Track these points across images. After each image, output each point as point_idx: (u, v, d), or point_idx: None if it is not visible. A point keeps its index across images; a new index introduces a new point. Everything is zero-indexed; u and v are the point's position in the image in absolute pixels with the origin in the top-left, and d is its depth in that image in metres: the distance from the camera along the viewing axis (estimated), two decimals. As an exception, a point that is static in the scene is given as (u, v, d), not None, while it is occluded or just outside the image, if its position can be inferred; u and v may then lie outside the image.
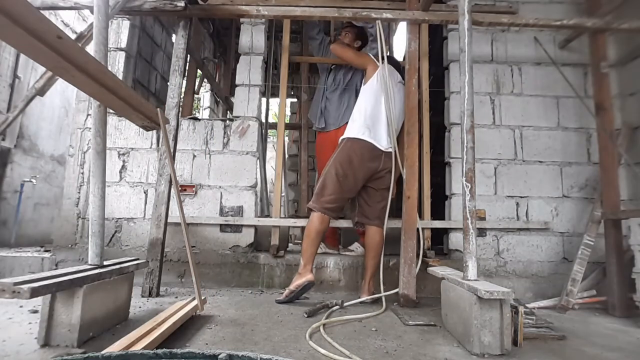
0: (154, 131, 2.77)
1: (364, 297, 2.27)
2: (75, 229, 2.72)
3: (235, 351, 0.84)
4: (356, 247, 2.88)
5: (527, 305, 2.06)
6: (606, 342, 1.71)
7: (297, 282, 2.19)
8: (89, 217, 1.69)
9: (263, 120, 3.35)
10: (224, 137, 2.84)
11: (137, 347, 1.22)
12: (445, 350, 1.50)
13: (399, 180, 2.49)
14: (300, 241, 3.20)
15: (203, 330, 1.63)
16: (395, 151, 2.39)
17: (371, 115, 2.39)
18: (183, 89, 2.86)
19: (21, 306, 1.85)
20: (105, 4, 1.74)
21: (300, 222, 2.82)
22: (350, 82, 3.12)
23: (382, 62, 2.45)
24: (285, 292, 2.20)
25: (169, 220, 2.37)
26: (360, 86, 2.88)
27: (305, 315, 1.91)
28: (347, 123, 2.80)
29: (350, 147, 2.35)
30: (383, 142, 2.38)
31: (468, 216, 1.69)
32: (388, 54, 4.06)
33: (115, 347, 1.18)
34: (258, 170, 2.91)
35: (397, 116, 2.45)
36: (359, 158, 2.31)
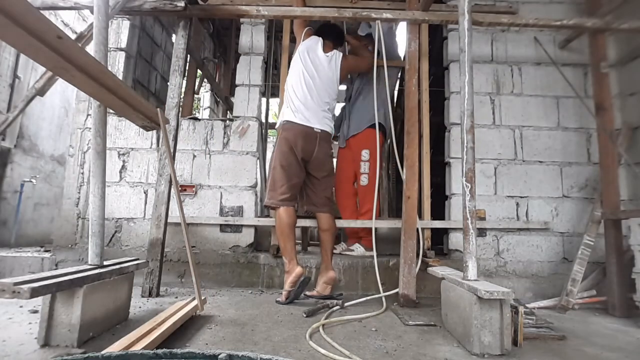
0: (154, 131, 2.77)
1: (324, 286, 2.28)
2: (75, 229, 2.72)
3: (235, 351, 0.84)
4: (357, 247, 2.89)
5: (527, 305, 2.06)
6: (606, 342, 1.71)
7: (290, 280, 2.18)
8: (89, 217, 1.69)
9: (263, 120, 3.35)
10: (224, 137, 2.84)
11: (137, 347, 1.22)
12: (445, 350, 1.50)
13: (399, 180, 2.48)
14: (299, 241, 3.20)
15: (203, 330, 1.63)
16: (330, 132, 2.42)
17: (298, 94, 2.37)
18: (183, 89, 2.86)
19: (21, 306, 1.85)
20: (105, 4, 1.74)
21: (300, 222, 2.82)
22: (365, 86, 3.06)
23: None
24: (284, 294, 2.20)
25: (169, 220, 2.37)
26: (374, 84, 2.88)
27: (305, 315, 1.91)
28: (368, 127, 2.85)
29: (282, 134, 2.36)
30: (314, 121, 2.34)
31: (468, 216, 1.69)
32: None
33: (115, 347, 1.18)
34: (258, 170, 2.91)
35: (323, 92, 2.41)
36: (293, 142, 2.31)
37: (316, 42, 2.52)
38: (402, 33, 4.12)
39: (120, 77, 2.86)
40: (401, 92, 4.42)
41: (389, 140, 3.24)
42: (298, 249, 3.05)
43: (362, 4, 2.91)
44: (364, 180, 2.91)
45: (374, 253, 2.67)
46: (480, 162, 2.75)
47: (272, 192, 2.32)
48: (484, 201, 2.75)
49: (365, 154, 2.92)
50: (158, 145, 2.80)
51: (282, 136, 2.36)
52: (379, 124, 2.77)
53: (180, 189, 2.70)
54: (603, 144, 2.56)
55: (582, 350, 1.58)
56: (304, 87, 2.37)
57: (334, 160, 2.86)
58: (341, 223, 2.76)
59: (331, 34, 2.60)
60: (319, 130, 2.35)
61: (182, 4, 2.48)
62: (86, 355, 0.81)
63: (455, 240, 2.74)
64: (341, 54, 2.55)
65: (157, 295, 2.24)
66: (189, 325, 1.67)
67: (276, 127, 2.56)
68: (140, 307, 1.97)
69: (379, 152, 2.83)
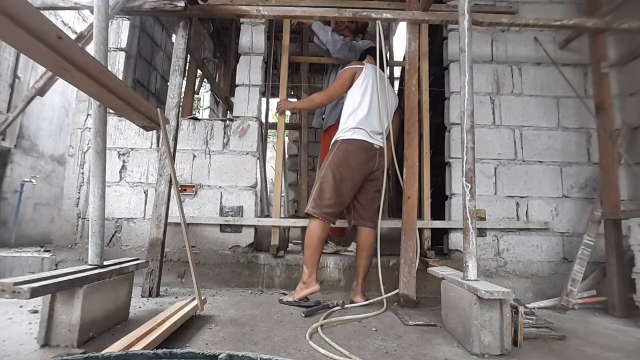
0: (154, 131, 2.77)
1: (360, 302, 2.22)
2: (75, 229, 2.72)
3: (235, 351, 0.84)
4: (355, 247, 2.89)
5: (527, 305, 2.06)
6: (606, 342, 1.71)
7: (303, 293, 2.17)
8: (89, 217, 1.69)
9: (263, 120, 3.35)
10: (224, 137, 2.84)
11: (137, 347, 1.22)
12: (445, 350, 1.50)
13: (399, 180, 2.48)
14: (299, 241, 3.20)
15: (203, 330, 1.63)
16: (385, 147, 2.38)
17: (363, 113, 2.36)
18: (183, 89, 2.86)
19: (21, 306, 1.85)
20: (105, 4, 1.74)
21: (300, 222, 2.82)
22: None
23: (376, 63, 2.46)
24: (289, 298, 2.19)
25: (169, 220, 2.37)
26: None
27: (304, 315, 1.91)
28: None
29: (345, 149, 2.30)
30: (377, 139, 2.36)
31: (468, 216, 1.69)
32: (388, 54, 4.05)
33: (115, 347, 1.18)
34: (258, 170, 2.91)
35: (389, 111, 2.45)
36: (355, 160, 2.27)
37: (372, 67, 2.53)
38: (402, 33, 4.13)
39: (120, 77, 2.86)
40: (401, 92, 4.43)
41: None
42: (298, 249, 3.06)
43: (362, 4, 2.91)
44: None
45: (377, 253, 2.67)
46: (480, 162, 2.75)
47: (317, 202, 2.23)
48: (484, 201, 2.75)
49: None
50: (158, 145, 2.80)
51: (343, 147, 2.31)
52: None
53: (180, 189, 2.70)
54: (603, 144, 2.56)
55: (582, 350, 1.58)
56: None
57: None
58: (338, 223, 2.76)
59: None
60: (378, 147, 2.36)
61: (182, 4, 2.48)
62: (86, 355, 0.81)
63: (455, 240, 2.74)
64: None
65: (157, 295, 2.24)
66: (189, 325, 1.67)
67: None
68: (140, 307, 1.97)
69: None
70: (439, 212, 2.87)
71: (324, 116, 3.10)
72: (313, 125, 3.33)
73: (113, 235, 2.73)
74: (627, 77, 2.72)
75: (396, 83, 5.01)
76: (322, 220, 2.21)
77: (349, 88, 2.47)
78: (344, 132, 2.36)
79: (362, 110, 2.36)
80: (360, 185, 2.35)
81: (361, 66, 2.48)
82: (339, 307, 2.07)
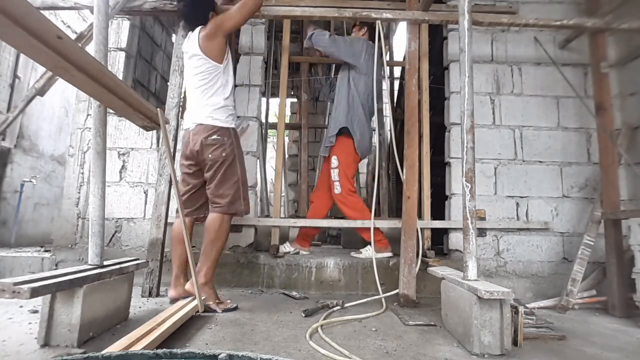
0: (154, 131, 2.77)
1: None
2: (75, 229, 2.72)
3: (235, 351, 0.84)
4: (366, 249, 2.78)
5: (527, 305, 2.06)
6: (606, 342, 1.71)
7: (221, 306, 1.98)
8: (89, 217, 1.69)
9: (263, 120, 3.35)
10: (224, 137, 2.84)
11: (137, 347, 1.22)
12: (445, 350, 1.50)
13: (399, 180, 2.48)
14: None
15: (203, 330, 1.63)
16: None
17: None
18: (183, 89, 2.85)
19: (21, 306, 1.85)
20: (105, 4, 1.74)
21: (301, 222, 2.82)
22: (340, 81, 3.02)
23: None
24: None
25: (169, 220, 2.37)
26: (350, 78, 2.88)
27: (303, 315, 1.91)
28: (343, 133, 2.80)
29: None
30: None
31: (468, 216, 1.69)
32: (388, 54, 4.03)
33: (115, 347, 1.18)
34: (258, 170, 2.91)
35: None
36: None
37: None
38: (402, 33, 4.13)
39: (120, 77, 2.86)
40: (401, 92, 4.43)
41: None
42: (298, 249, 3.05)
43: (362, 4, 2.91)
44: (337, 188, 2.79)
45: (387, 254, 2.66)
46: (480, 162, 2.75)
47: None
48: (484, 201, 2.74)
49: (334, 160, 2.82)
50: (158, 145, 2.80)
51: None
52: (346, 128, 2.79)
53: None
54: (603, 144, 2.56)
55: (582, 350, 1.58)
56: None
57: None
58: (342, 223, 2.76)
59: None
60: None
61: (182, 4, 2.47)
62: (86, 355, 0.81)
63: (455, 240, 2.74)
64: None
65: (157, 295, 2.25)
66: (189, 325, 1.67)
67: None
68: (140, 307, 1.97)
69: (351, 156, 2.82)
70: (439, 212, 2.87)
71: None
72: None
73: (113, 235, 2.72)
74: (627, 77, 2.72)
75: (396, 83, 5.01)
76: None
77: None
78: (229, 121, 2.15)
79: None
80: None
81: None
82: (338, 307, 2.07)
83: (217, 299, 1.99)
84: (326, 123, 3.02)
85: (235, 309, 1.99)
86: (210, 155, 2.03)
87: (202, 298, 1.87)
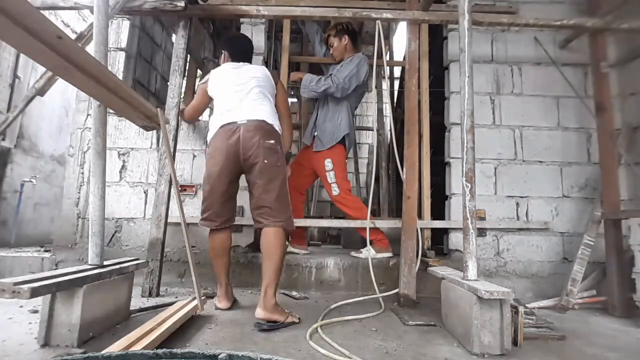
0: (154, 131, 2.77)
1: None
2: (75, 229, 2.72)
3: (235, 351, 0.84)
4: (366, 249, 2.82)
5: (527, 305, 2.06)
6: (606, 342, 1.71)
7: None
8: (89, 217, 1.69)
9: (263, 120, 3.33)
10: (224, 137, 2.84)
11: (137, 347, 1.22)
12: (445, 350, 1.50)
13: (399, 180, 2.48)
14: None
15: (203, 330, 1.63)
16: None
17: None
18: (183, 89, 2.86)
19: (21, 306, 1.85)
20: (105, 4, 1.74)
21: (300, 222, 2.82)
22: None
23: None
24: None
25: (169, 220, 2.37)
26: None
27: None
28: (339, 143, 2.79)
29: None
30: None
31: (468, 216, 1.69)
32: (388, 54, 4.03)
33: (115, 347, 1.18)
34: (258, 170, 2.90)
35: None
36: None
37: None
38: (402, 33, 4.13)
39: (120, 77, 2.86)
40: (401, 92, 4.43)
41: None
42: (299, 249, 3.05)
43: (362, 4, 2.91)
44: (334, 190, 2.77)
45: (387, 254, 2.65)
46: (480, 162, 2.75)
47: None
48: (484, 201, 2.75)
49: (328, 163, 2.79)
50: (158, 145, 2.80)
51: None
52: (343, 137, 2.79)
53: (180, 189, 2.70)
54: (603, 144, 2.56)
55: (582, 350, 1.58)
56: None
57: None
58: (342, 223, 2.76)
59: None
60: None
61: (182, 4, 2.48)
62: (86, 355, 0.81)
63: (455, 240, 2.74)
64: None
65: (157, 295, 2.25)
66: (189, 325, 1.67)
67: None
68: (140, 307, 1.97)
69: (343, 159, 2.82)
70: (439, 212, 2.88)
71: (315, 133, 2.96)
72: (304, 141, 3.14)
73: (113, 235, 2.72)
74: (627, 77, 2.72)
75: (396, 83, 5.01)
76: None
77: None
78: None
79: None
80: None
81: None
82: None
83: (285, 312, 1.78)
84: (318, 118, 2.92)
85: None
86: (266, 161, 1.88)
87: (276, 320, 1.71)
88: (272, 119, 2.00)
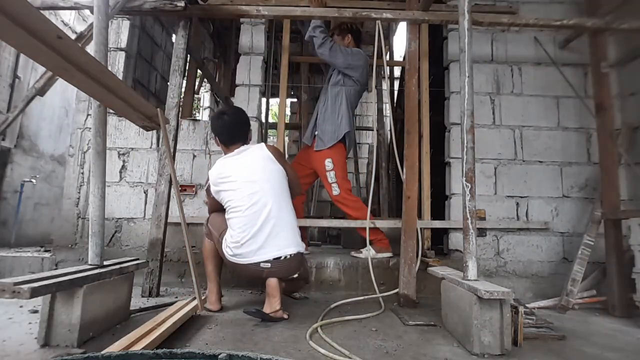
0: (154, 131, 2.77)
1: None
2: (75, 229, 2.72)
3: (235, 351, 0.84)
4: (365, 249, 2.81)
5: (527, 305, 2.06)
6: (606, 342, 1.71)
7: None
8: (89, 217, 1.69)
9: (263, 120, 3.35)
10: (224, 137, 2.84)
11: (137, 347, 1.22)
12: (445, 350, 1.50)
13: (399, 180, 2.48)
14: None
15: (203, 330, 1.63)
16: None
17: None
18: (183, 89, 2.86)
19: (21, 306, 1.85)
20: (105, 4, 1.74)
21: (300, 222, 2.81)
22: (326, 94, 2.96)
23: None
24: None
25: (169, 220, 2.37)
26: (345, 87, 2.86)
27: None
28: (339, 141, 2.79)
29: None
30: None
31: (468, 216, 1.69)
32: (388, 54, 4.03)
33: (115, 347, 1.18)
34: (258, 170, 2.90)
35: None
36: None
37: None
38: (402, 33, 4.13)
39: (120, 77, 2.86)
40: (401, 92, 4.43)
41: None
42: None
43: (362, 4, 2.91)
44: (335, 190, 2.77)
45: (387, 254, 2.65)
46: (480, 162, 2.75)
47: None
48: (484, 201, 2.75)
49: (329, 163, 2.79)
50: (158, 145, 2.80)
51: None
52: (343, 136, 2.78)
53: (180, 189, 2.70)
54: (603, 144, 2.56)
55: (582, 350, 1.58)
56: None
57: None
58: (342, 223, 2.76)
59: None
60: None
61: (182, 4, 2.47)
62: (86, 355, 0.81)
63: (455, 240, 2.74)
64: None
65: (157, 295, 2.24)
66: (189, 325, 1.67)
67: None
68: (140, 307, 1.97)
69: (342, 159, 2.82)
70: (439, 212, 2.87)
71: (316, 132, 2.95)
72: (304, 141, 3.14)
73: (113, 235, 2.72)
74: (627, 77, 2.72)
75: (396, 83, 5.01)
76: None
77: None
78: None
79: None
80: None
81: None
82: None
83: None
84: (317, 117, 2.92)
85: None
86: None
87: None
88: (295, 244, 1.97)
